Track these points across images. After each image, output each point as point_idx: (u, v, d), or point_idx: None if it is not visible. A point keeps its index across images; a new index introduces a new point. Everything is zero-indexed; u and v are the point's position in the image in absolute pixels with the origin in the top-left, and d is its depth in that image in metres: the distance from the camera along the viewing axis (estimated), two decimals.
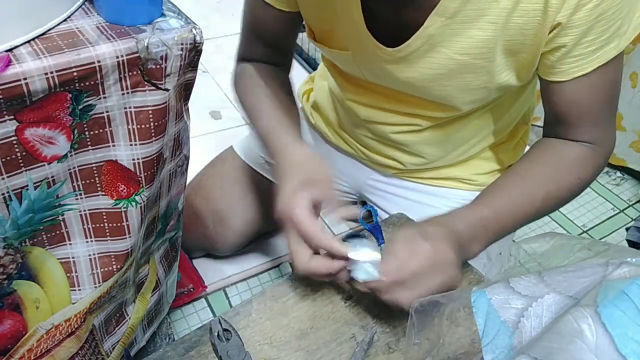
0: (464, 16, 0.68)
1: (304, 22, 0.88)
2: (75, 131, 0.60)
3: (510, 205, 0.75)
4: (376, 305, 0.73)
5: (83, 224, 0.68)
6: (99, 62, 0.57)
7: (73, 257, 0.69)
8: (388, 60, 0.77)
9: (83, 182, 0.65)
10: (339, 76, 0.93)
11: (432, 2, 0.68)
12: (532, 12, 0.67)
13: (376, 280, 0.65)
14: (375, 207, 1.05)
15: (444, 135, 0.90)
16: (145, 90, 0.62)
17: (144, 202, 0.68)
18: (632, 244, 1.42)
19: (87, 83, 0.57)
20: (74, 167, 0.63)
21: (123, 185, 0.67)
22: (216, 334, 0.66)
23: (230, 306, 1.25)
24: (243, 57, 0.97)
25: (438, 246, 0.65)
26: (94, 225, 0.69)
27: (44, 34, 0.57)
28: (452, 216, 0.73)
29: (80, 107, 0.59)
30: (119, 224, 0.69)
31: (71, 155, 0.62)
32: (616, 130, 0.81)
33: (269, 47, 0.94)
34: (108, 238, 0.69)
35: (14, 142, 0.56)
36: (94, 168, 0.65)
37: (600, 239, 1.50)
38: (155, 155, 0.66)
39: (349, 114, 0.97)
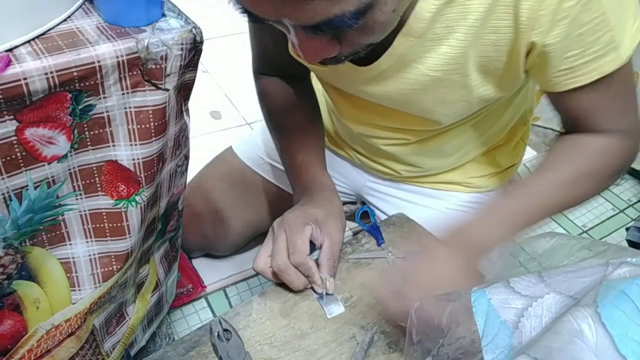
0: (433, 34, 0.68)
1: None
2: (75, 131, 0.60)
3: (530, 196, 0.73)
4: (376, 306, 0.73)
5: (83, 224, 0.68)
6: (99, 62, 0.57)
7: (73, 257, 0.69)
8: (362, 78, 0.77)
9: (83, 182, 0.65)
10: (329, 88, 0.93)
11: (399, 23, 0.67)
12: (503, 29, 0.66)
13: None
14: (373, 208, 1.05)
15: (434, 146, 0.90)
16: (145, 90, 0.61)
17: (144, 202, 0.68)
18: (632, 244, 1.42)
19: (87, 83, 0.57)
20: (74, 167, 0.63)
21: (123, 185, 0.67)
22: (216, 334, 0.66)
23: (230, 306, 1.25)
24: (259, 72, 0.99)
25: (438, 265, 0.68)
26: (94, 226, 0.68)
27: (44, 34, 0.57)
28: (469, 228, 0.73)
29: (80, 107, 0.59)
30: (119, 224, 0.69)
31: (71, 155, 0.62)
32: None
33: (276, 58, 0.93)
34: (108, 238, 0.69)
35: (14, 142, 0.56)
36: (94, 168, 0.65)
37: (600, 239, 1.49)
38: (155, 155, 0.66)
39: (342, 125, 0.97)
